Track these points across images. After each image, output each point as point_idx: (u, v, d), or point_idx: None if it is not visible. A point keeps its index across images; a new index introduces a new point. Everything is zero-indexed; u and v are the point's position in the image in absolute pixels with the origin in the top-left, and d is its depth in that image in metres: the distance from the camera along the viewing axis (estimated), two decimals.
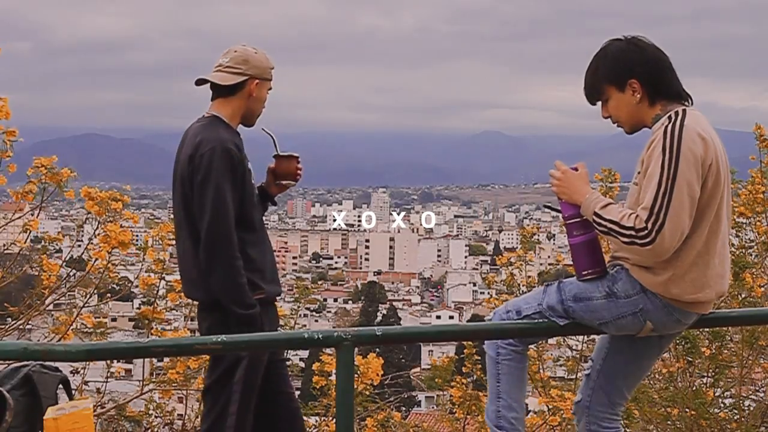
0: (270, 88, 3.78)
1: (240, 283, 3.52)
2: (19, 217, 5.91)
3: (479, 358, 5.64)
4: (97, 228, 5.68)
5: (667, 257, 3.03)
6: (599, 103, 3.26)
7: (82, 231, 6.15)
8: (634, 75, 3.16)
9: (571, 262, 3.34)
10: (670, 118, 3.10)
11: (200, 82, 3.72)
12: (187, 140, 3.68)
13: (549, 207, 3.46)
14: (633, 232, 2.99)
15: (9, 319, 5.86)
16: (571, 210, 3.22)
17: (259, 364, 3.65)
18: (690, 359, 5.73)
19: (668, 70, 3.20)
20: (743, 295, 5.99)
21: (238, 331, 3.38)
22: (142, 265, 5.81)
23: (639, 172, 3.12)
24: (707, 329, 5.45)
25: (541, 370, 6.06)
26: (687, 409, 5.57)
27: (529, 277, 6.68)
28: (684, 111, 3.12)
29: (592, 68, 3.24)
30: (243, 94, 3.69)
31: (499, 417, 3.35)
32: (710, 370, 5.81)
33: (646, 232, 2.97)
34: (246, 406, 3.62)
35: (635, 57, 3.17)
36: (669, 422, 5.77)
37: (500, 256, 6.96)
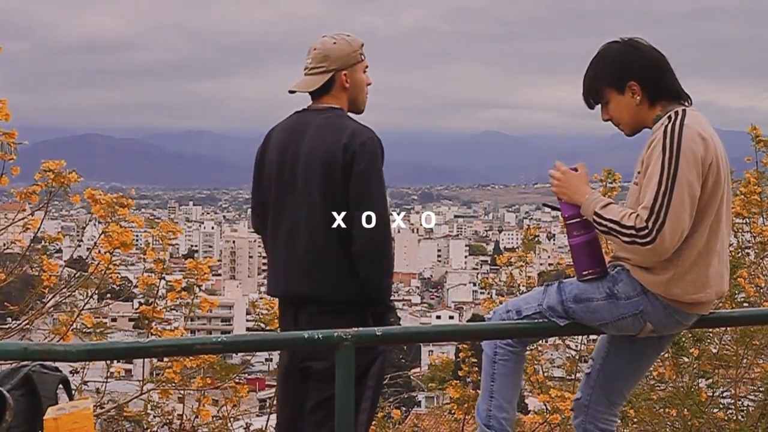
0: (366, 67, 3.66)
1: (392, 275, 3.55)
2: (22, 219, 5.92)
3: (476, 360, 5.64)
4: (101, 233, 5.67)
5: (667, 257, 3.03)
6: (598, 107, 3.27)
7: (83, 232, 6.15)
8: (633, 77, 3.16)
9: (572, 263, 3.34)
10: (670, 117, 3.10)
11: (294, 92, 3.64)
12: (316, 127, 3.52)
13: (548, 205, 3.47)
14: (634, 232, 2.99)
15: (9, 319, 5.87)
16: (571, 210, 3.22)
17: (386, 362, 3.63)
18: (684, 358, 5.73)
19: (667, 71, 3.20)
20: (740, 297, 5.99)
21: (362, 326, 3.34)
22: (144, 264, 5.81)
23: (639, 172, 3.12)
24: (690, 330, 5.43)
25: (540, 372, 6.06)
26: (684, 410, 5.57)
27: (529, 277, 6.68)
28: (684, 111, 3.13)
29: (591, 72, 3.24)
30: (337, 88, 3.59)
31: (489, 416, 3.36)
32: (701, 371, 5.80)
33: (647, 231, 2.97)
34: (376, 403, 3.58)
35: (634, 58, 3.18)
36: (667, 423, 5.77)
37: (500, 256, 6.97)
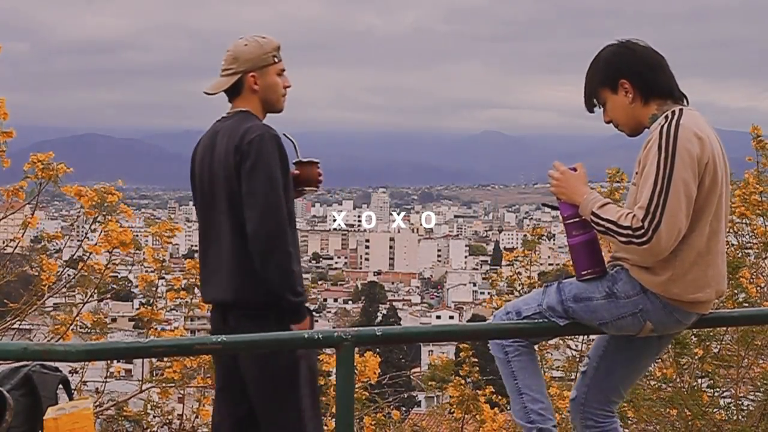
0: (281, 70, 3.64)
1: (295, 270, 3.42)
2: (15, 211, 5.95)
3: (476, 360, 5.67)
4: (92, 223, 5.70)
5: (664, 257, 3.04)
6: (598, 110, 3.28)
7: (74, 228, 6.18)
8: (624, 75, 3.18)
9: (571, 263, 3.35)
10: (666, 117, 3.11)
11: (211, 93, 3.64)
12: (221, 135, 3.53)
13: (547, 205, 3.47)
14: (630, 232, 3.00)
15: (8, 318, 5.87)
16: (569, 210, 3.22)
17: (316, 362, 3.60)
18: (687, 357, 5.72)
19: (660, 69, 3.20)
20: (741, 296, 5.98)
21: (286, 326, 3.33)
22: (142, 264, 5.82)
23: (637, 172, 3.13)
24: (695, 330, 5.43)
25: (544, 372, 6.06)
26: (686, 410, 5.57)
27: (530, 277, 6.68)
28: (681, 110, 3.13)
29: (589, 74, 3.27)
30: (246, 90, 3.58)
31: (527, 412, 3.36)
32: (703, 371, 5.80)
33: (643, 231, 2.98)
34: (317, 402, 3.56)
35: (626, 58, 3.20)
36: (668, 424, 5.77)
37: (507, 252, 6.96)
